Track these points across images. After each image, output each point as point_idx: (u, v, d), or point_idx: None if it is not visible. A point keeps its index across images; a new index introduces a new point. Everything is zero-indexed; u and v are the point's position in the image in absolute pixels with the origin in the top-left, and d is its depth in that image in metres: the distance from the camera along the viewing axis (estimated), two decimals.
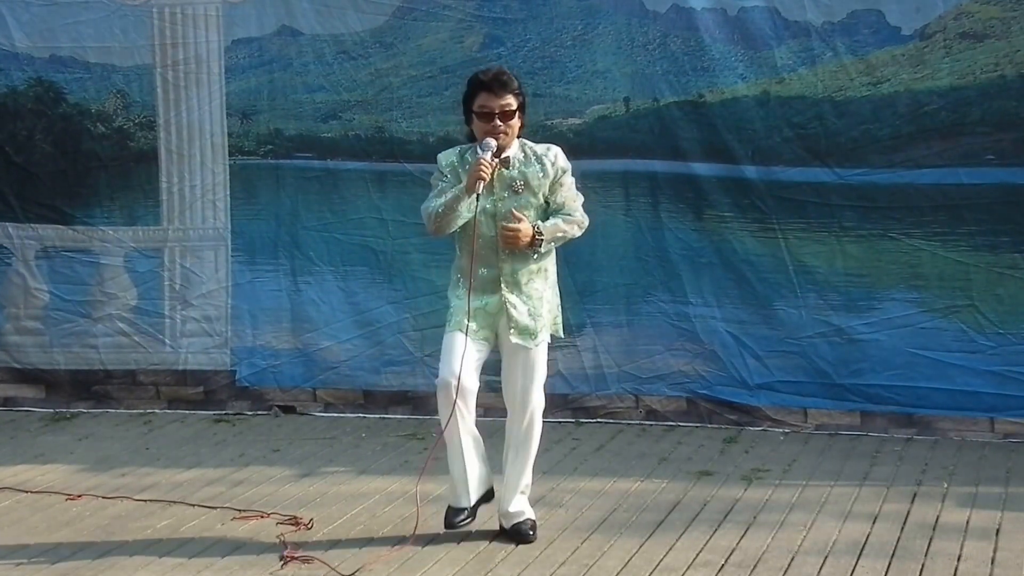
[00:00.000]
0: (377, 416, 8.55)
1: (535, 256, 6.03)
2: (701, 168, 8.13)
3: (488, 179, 5.84)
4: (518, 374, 6.09)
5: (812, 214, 8.01)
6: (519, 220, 5.95)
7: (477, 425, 6.15)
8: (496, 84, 5.91)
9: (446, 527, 6.15)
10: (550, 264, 6.15)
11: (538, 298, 6.06)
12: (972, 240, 7.79)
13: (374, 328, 8.58)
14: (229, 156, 8.71)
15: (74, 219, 8.90)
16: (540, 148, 6.09)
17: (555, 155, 6.06)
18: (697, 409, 8.25)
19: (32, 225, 8.91)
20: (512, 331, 6.02)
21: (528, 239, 5.94)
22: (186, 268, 8.83)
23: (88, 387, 8.97)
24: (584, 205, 6.23)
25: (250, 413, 8.79)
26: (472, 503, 6.16)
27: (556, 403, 8.29)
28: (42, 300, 8.97)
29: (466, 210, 5.91)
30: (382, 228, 8.53)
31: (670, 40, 8.15)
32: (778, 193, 8.03)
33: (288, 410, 8.77)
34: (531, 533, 6.20)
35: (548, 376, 7.89)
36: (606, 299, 8.33)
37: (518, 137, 6.06)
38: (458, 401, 5.91)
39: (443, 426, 6.01)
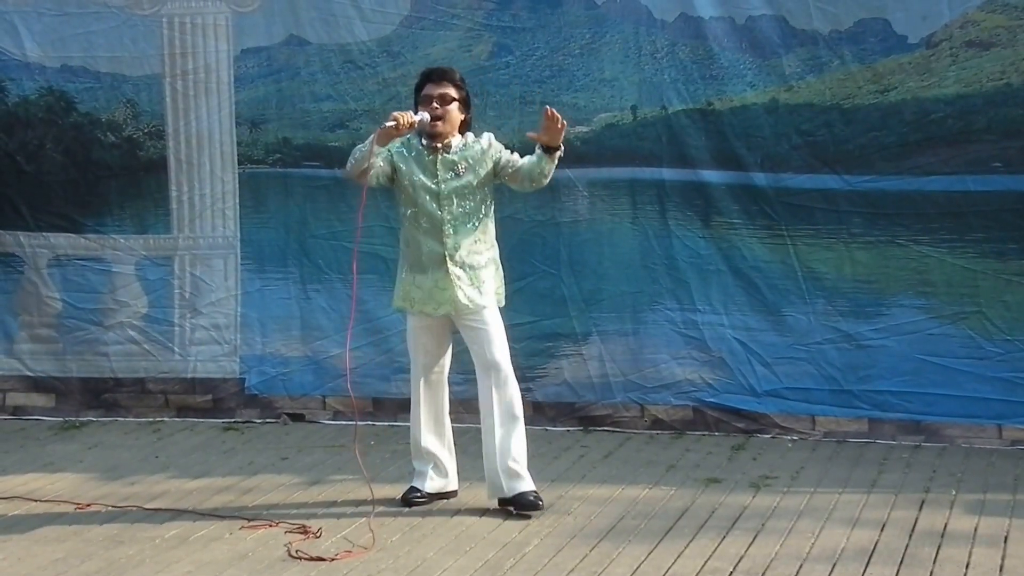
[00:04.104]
0: (386, 424, 8.50)
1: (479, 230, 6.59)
2: (710, 175, 8.14)
3: (398, 124, 6.32)
4: (480, 339, 6.59)
5: (820, 220, 8.01)
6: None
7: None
8: (436, 75, 6.58)
9: (402, 502, 6.79)
10: (488, 238, 6.66)
11: (481, 267, 6.60)
12: (979, 247, 7.79)
13: (383, 336, 8.55)
14: (238, 165, 8.73)
15: (85, 228, 8.90)
16: (479, 136, 6.66)
17: (488, 138, 6.64)
18: (703, 418, 8.23)
19: (44, 234, 8.91)
20: (460, 294, 6.53)
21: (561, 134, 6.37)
22: (196, 276, 8.83)
23: (98, 395, 8.95)
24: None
25: (259, 421, 8.77)
26: (424, 488, 6.82)
27: (562, 411, 8.37)
28: (55, 308, 8.95)
29: (377, 157, 6.46)
30: (390, 236, 8.27)
31: (678, 48, 8.15)
32: (787, 200, 8.03)
33: (297, 418, 8.75)
34: (540, 503, 6.63)
35: (554, 384, 8.05)
36: (612, 307, 8.32)
37: (462, 133, 6.61)
38: (428, 384, 6.71)
39: (412, 401, 6.80)
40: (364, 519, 6.59)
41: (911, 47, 7.81)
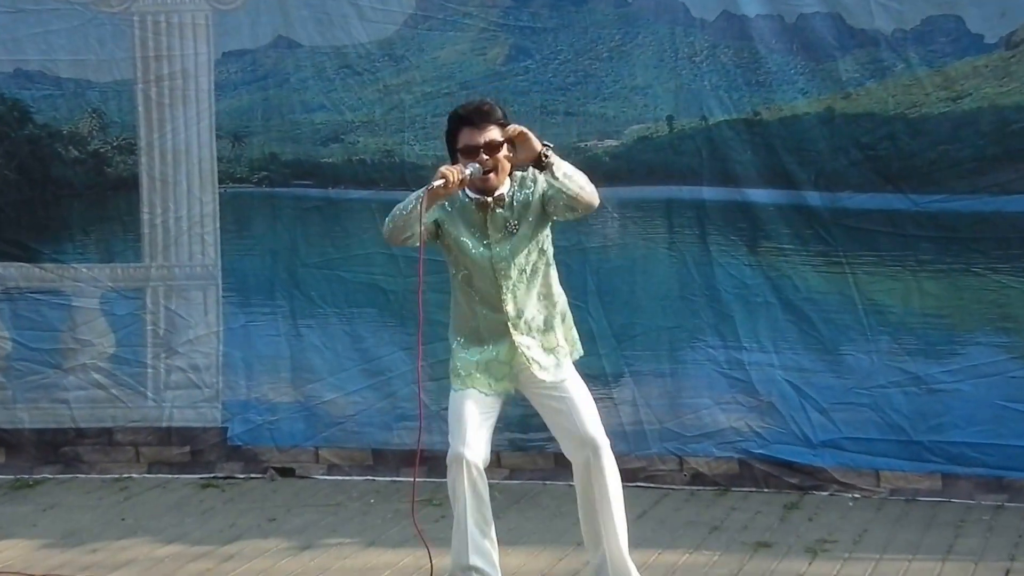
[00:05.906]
0: (388, 479, 8.25)
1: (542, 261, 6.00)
2: (756, 195, 7.87)
3: (449, 182, 5.69)
4: (567, 414, 5.96)
5: (884, 246, 7.72)
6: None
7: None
8: (476, 116, 5.88)
9: None
10: (552, 287, 6.07)
11: (551, 325, 6.03)
12: None
13: (384, 378, 8.31)
14: (219, 184, 8.50)
15: (41, 256, 8.68)
16: (527, 174, 5.97)
17: (533, 172, 5.91)
18: (751, 472, 7.93)
19: None
20: (535, 367, 5.95)
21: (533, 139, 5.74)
22: (171, 311, 8.57)
23: (56, 449, 8.69)
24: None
25: (243, 476, 8.51)
26: None
27: None
28: (3, 350, 8.69)
29: (420, 219, 5.79)
30: (392, 265, 8.21)
31: (720, 51, 7.91)
32: (845, 222, 7.74)
33: (286, 473, 8.49)
34: None
35: None
36: (647, 345, 8.06)
37: (510, 175, 6.00)
38: (471, 481, 5.83)
39: (453, 503, 5.93)
40: None
41: (987, 48, 7.52)
